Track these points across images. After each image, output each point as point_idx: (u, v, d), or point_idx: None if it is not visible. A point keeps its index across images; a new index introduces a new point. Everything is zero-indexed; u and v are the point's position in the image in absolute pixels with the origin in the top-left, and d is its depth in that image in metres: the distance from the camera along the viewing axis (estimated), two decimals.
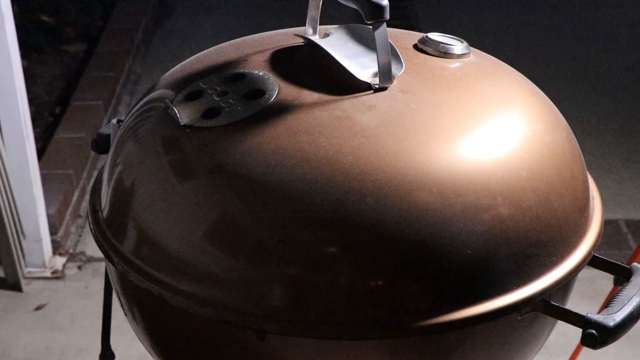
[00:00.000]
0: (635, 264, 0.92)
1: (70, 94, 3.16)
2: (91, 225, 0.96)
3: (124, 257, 0.89)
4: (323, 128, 0.85)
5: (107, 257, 0.92)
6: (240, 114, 0.87)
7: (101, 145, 1.06)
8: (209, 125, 0.87)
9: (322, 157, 0.82)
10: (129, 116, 0.98)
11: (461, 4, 4.17)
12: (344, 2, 0.92)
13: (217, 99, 0.90)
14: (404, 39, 1.00)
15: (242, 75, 0.93)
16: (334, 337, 0.82)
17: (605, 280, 2.16)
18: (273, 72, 0.93)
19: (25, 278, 2.42)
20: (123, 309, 0.97)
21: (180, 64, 1.01)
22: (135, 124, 0.95)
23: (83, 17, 3.79)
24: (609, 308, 0.85)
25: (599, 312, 0.85)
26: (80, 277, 2.45)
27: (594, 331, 0.82)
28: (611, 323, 0.83)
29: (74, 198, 2.69)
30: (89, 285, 2.42)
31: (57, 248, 2.52)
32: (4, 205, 2.27)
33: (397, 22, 3.75)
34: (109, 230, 0.93)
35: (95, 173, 2.83)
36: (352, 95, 0.89)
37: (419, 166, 0.82)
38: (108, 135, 1.05)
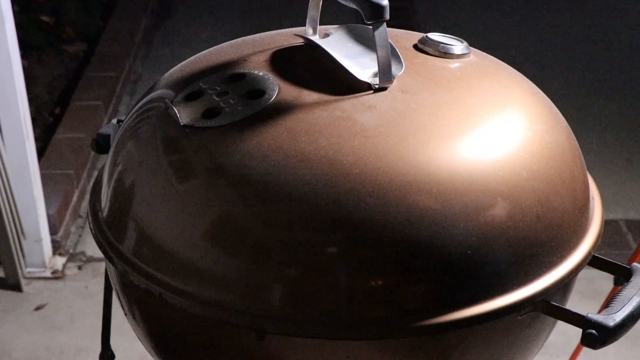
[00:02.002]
0: (635, 264, 0.92)
1: (70, 94, 3.16)
2: (91, 225, 0.96)
3: (124, 257, 0.89)
4: (323, 128, 0.85)
5: (107, 257, 0.91)
6: (240, 114, 0.87)
7: (101, 145, 1.06)
8: (209, 125, 0.87)
9: (322, 157, 0.82)
10: (129, 116, 0.98)
11: (461, 4, 4.17)
12: (344, 2, 0.92)
13: (217, 99, 0.90)
14: (404, 39, 1.00)
15: (242, 75, 0.93)
16: (334, 337, 0.82)
17: (605, 280, 2.16)
18: (273, 72, 0.93)
19: (25, 278, 2.42)
20: (123, 309, 0.97)
21: (180, 64, 1.01)
22: (135, 124, 0.95)
23: (83, 17, 3.80)
24: (609, 308, 0.85)
25: (599, 312, 0.85)
26: (80, 277, 2.45)
27: (594, 331, 0.82)
28: (611, 323, 0.83)
29: (74, 198, 2.69)
30: (89, 285, 2.42)
31: (57, 248, 2.53)
32: (4, 205, 2.27)
33: (397, 22, 3.75)
34: (109, 230, 0.93)
35: (95, 173, 2.83)
36: (352, 96, 0.89)
37: (419, 166, 0.82)
38: (108, 135, 1.05)
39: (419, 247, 0.80)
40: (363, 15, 0.89)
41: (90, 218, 0.96)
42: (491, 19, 4.00)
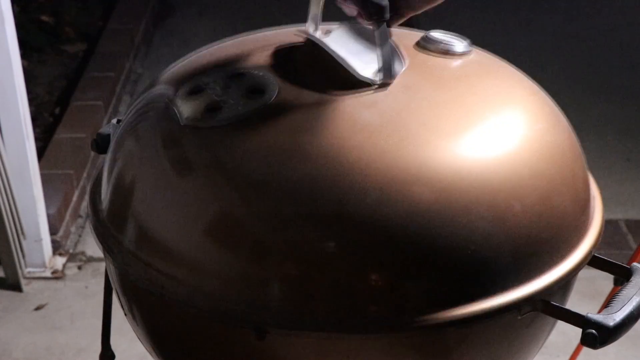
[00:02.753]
0: (635, 264, 0.92)
1: (70, 94, 3.16)
2: (91, 222, 0.96)
3: (124, 254, 0.89)
4: (325, 125, 0.85)
5: (108, 254, 0.91)
6: (240, 112, 0.87)
7: (101, 145, 1.05)
8: (209, 124, 0.87)
9: (323, 154, 0.82)
10: (128, 112, 0.98)
11: (462, 3, 4.16)
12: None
13: (217, 97, 0.90)
14: (405, 37, 1.00)
15: (243, 73, 0.93)
16: (334, 334, 0.82)
17: (605, 280, 2.15)
18: (274, 69, 0.92)
19: (25, 278, 2.42)
20: (123, 309, 0.97)
21: (180, 61, 1.01)
22: (135, 121, 0.95)
23: (83, 17, 3.79)
24: (609, 308, 0.85)
25: (599, 312, 0.84)
26: (80, 277, 2.45)
27: (594, 331, 0.82)
28: (611, 323, 0.83)
29: (74, 198, 2.69)
30: (89, 285, 2.42)
31: (57, 248, 2.52)
32: (4, 205, 2.27)
33: None
34: (109, 227, 0.92)
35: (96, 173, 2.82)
36: (354, 93, 0.89)
37: (420, 164, 0.82)
38: (108, 135, 1.04)
39: (420, 244, 0.80)
40: (363, 16, 0.89)
41: (90, 215, 0.96)
42: (492, 18, 4.00)
